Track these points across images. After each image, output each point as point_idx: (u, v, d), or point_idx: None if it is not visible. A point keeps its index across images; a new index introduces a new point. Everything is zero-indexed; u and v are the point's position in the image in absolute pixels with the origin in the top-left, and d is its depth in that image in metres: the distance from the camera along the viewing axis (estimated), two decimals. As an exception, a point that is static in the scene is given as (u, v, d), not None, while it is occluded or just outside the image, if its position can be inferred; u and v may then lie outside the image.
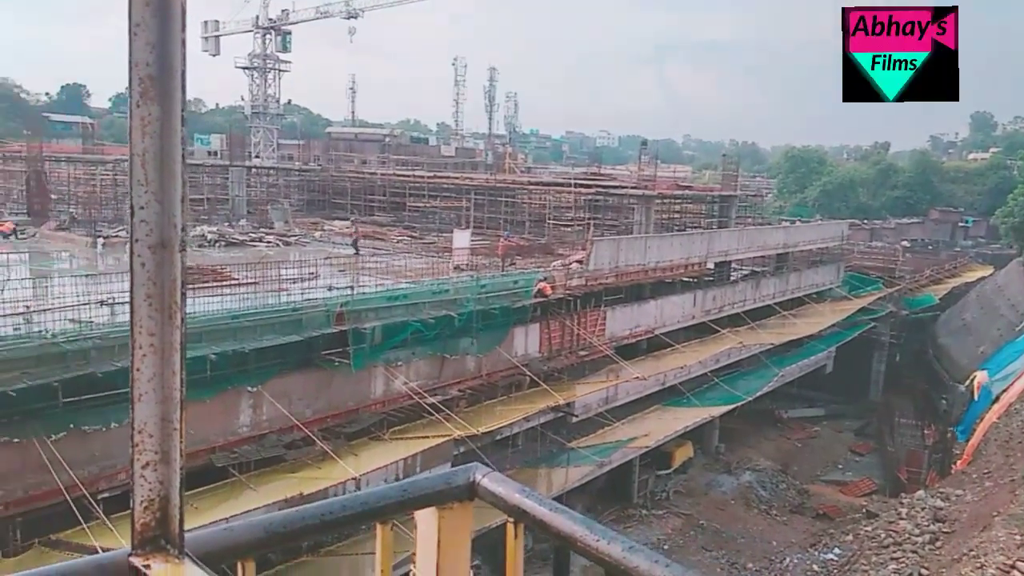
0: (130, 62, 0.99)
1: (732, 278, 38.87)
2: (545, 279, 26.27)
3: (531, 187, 43.94)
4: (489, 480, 1.78)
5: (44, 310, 17.22)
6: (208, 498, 16.37)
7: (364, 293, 22.05)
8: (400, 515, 1.72)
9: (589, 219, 37.85)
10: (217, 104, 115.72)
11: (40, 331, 15.95)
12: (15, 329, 16.09)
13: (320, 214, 45.28)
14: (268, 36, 60.27)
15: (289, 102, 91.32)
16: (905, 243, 69.00)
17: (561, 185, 42.03)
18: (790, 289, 42.28)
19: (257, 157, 57.24)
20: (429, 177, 47.97)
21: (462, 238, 31.99)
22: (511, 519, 1.72)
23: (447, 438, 20.43)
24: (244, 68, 61.48)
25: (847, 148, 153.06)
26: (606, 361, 27.72)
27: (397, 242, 36.56)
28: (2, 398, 14.33)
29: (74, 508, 14.47)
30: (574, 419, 26.50)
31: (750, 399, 34.53)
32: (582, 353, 27.24)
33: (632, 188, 39.24)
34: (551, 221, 39.96)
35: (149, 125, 0.99)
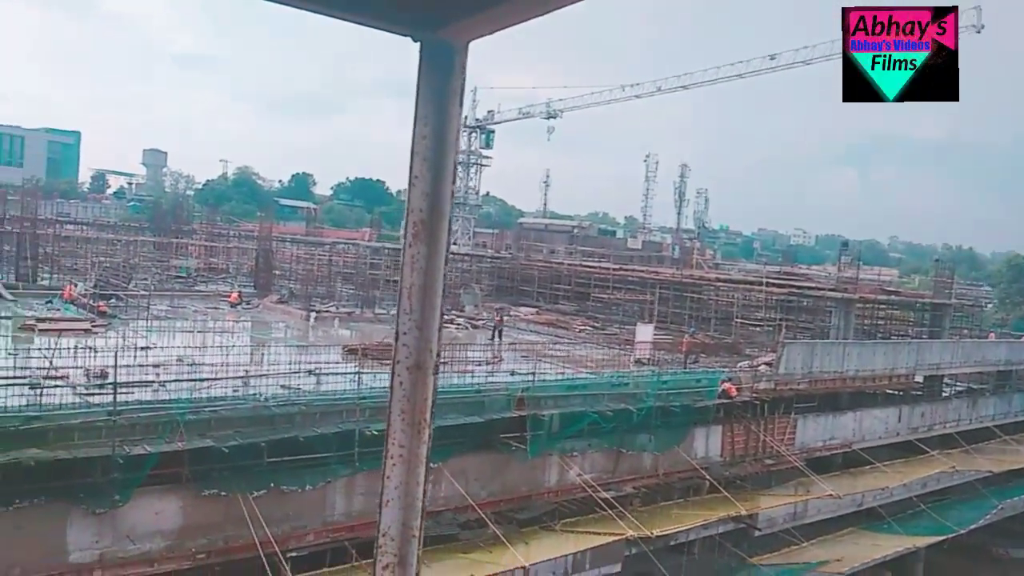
0: (407, 207, 1.15)
1: (944, 394, 35.30)
2: (730, 380, 25.28)
3: (719, 284, 42.88)
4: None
5: (259, 375, 18.96)
6: (383, 570, 16.87)
7: (545, 380, 22.31)
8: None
9: (780, 320, 36.16)
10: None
11: (254, 394, 17.56)
12: (234, 391, 17.83)
13: (507, 300, 46.77)
14: (474, 134, 64.81)
15: (487, 193, 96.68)
16: None
17: (751, 283, 40.67)
18: (1013, 411, 37.69)
19: (455, 244, 60.74)
20: (614, 269, 48.30)
21: (645, 332, 31.68)
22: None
23: (619, 537, 19.80)
24: (450, 162, 66.32)
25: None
26: (795, 473, 25.89)
27: (579, 331, 36.85)
28: (216, 453, 15.81)
29: (265, 563, 15.46)
30: (757, 532, 24.79)
31: (962, 532, 30.64)
32: (768, 462, 25.65)
33: (830, 290, 37.17)
34: (739, 320, 38.58)
35: (417, 263, 1.14)
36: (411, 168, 1.16)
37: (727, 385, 24.76)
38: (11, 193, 49.02)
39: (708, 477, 23.40)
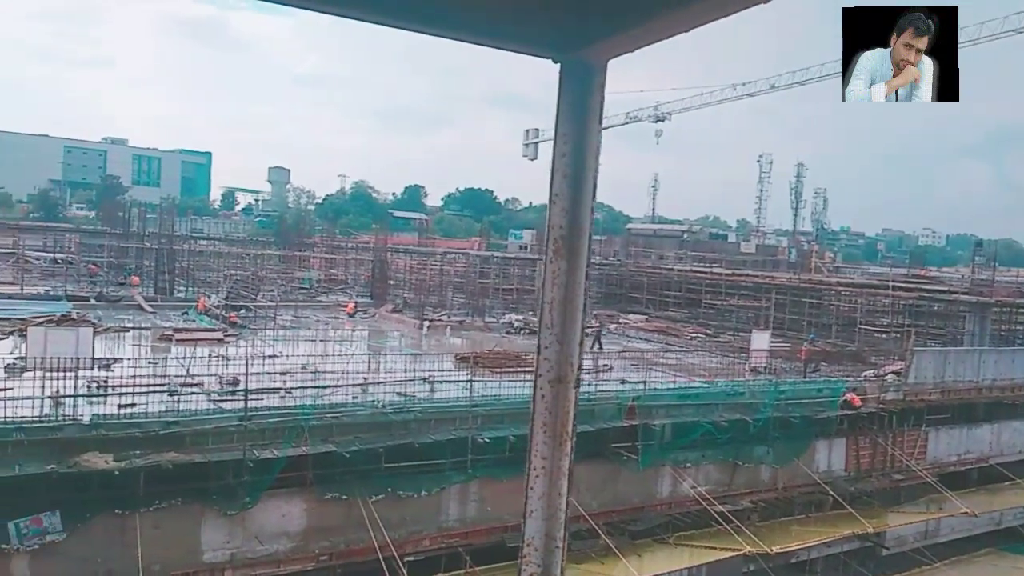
0: (548, 224, 1.18)
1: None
2: (854, 390, 24.12)
3: (840, 288, 41.02)
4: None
5: (377, 383, 19.59)
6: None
7: (656, 389, 21.97)
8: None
9: (909, 326, 34.18)
10: (531, 203, 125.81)
11: (372, 401, 18.16)
12: (353, 398, 18.50)
13: (616, 307, 46.38)
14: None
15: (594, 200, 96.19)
16: None
17: (876, 287, 38.69)
18: None
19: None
20: (727, 274, 46.99)
21: (761, 339, 30.66)
22: None
23: (737, 553, 19.22)
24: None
25: None
26: (926, 489, 24.40)
27: (691, 339, 36.08)
28: (337, 458, 16.43)
29: (384, 566, 15.92)
30: (885, 551, 23.48)
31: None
32: (897, 477, 24.31)
33: (963, 293, 34.87)
34: (862, 326, 36.73)
35: (558, 278, 1.16)
36: (551, 185, 1.19)
37: (851, 395, 23.67)
38: (150, 212, 52.86)
39: (831, 492, 22.39)
